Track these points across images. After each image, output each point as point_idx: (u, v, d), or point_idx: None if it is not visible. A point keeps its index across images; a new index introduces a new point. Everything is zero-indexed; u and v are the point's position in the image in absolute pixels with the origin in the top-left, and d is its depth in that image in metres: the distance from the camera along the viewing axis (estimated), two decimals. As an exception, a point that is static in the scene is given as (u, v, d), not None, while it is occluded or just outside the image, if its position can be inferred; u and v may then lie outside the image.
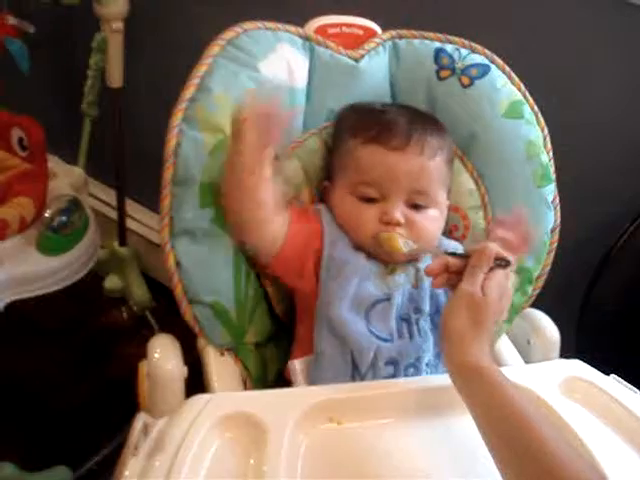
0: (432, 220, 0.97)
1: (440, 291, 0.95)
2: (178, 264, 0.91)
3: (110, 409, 1.53)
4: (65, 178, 1.47)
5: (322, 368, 0.89)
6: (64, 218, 1.29)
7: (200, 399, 0.79)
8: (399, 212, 0.94)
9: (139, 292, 1.84)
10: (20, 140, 1.36)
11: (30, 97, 1.65)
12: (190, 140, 0.91)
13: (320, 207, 1.00)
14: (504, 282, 0.85)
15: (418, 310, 0.94)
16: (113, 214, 1.81)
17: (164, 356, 0.91)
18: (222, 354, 0.96)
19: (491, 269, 0.83)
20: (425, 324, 0.94)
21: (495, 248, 0.84)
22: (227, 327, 0.94)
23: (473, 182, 1.08)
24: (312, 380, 0.90)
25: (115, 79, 1.53)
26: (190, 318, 0.93)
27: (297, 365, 0.92)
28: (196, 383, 0.93)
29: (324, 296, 0.92)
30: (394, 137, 0.95)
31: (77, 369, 1.66)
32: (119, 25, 1.45)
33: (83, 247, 1.34)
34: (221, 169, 0.91)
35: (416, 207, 0.96)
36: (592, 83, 1.30)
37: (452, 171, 1.04)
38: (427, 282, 0.95)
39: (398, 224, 0.93)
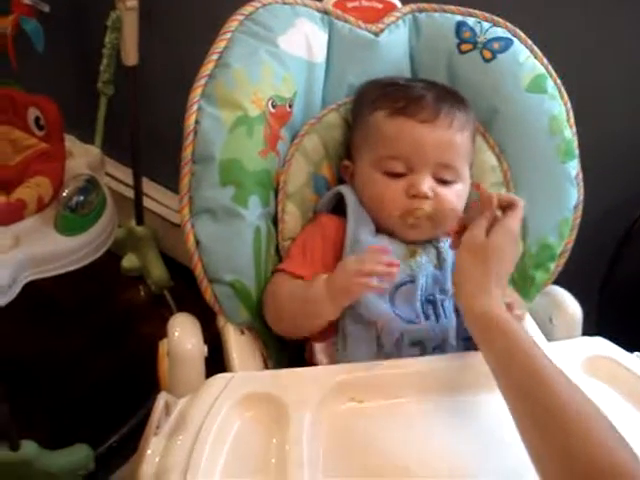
0: (458, 195, 0.96)
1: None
2: (198, 243, 0.90)
3: (129, 387, 1.55)
4: (82, 157, 1.46)
5: (347, 351, 0.88)
6: (82, 197, 1.29)
7: (221, 378, 0.80)
8: (427, 185, 0.92)
9: (157, 271, 1.83)
10: (37, 120, 1.36)
11: (46, 76, 1.64)
12: (209, 117, 0.90)
13: (343, 189, 0.99)
14: (513, 227, 0.84)
15: (443, 291, 0.92)
16: (130, 193, 1.80)
17: (184, 335, 0.92)
18: (242, 332, 0.95)
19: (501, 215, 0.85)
20: (450, 305, 0.92)
21: (494, 194, 0.86)
22: (247, 305, 0.93)
23: (495, 158, 1.07)
24: (335, 363, 0.88)
25: (130, 57, 1.52)
26: (210, 297, 0.93)
27: (318, 347, 0.91)
28: (216, 362, 0.93)
29: None
30: (423, 110, 0.93)
31: (95, 347, 1.67)
32: (134, 3, 1.44)
33: (101, 226, 1.33)
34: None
35: (443, 182, 0.94)
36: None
37: (475, 148, 1.02)
38: (450, 262, 0.93)
39: (426, 197, 0.92)
